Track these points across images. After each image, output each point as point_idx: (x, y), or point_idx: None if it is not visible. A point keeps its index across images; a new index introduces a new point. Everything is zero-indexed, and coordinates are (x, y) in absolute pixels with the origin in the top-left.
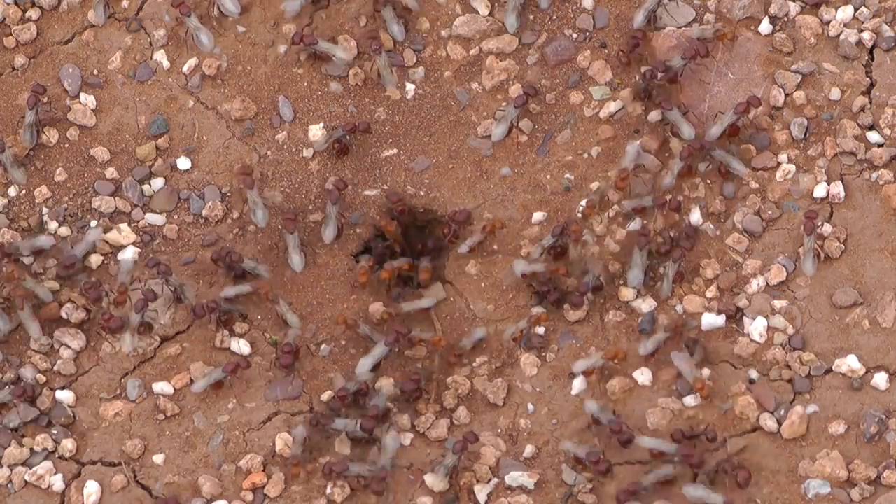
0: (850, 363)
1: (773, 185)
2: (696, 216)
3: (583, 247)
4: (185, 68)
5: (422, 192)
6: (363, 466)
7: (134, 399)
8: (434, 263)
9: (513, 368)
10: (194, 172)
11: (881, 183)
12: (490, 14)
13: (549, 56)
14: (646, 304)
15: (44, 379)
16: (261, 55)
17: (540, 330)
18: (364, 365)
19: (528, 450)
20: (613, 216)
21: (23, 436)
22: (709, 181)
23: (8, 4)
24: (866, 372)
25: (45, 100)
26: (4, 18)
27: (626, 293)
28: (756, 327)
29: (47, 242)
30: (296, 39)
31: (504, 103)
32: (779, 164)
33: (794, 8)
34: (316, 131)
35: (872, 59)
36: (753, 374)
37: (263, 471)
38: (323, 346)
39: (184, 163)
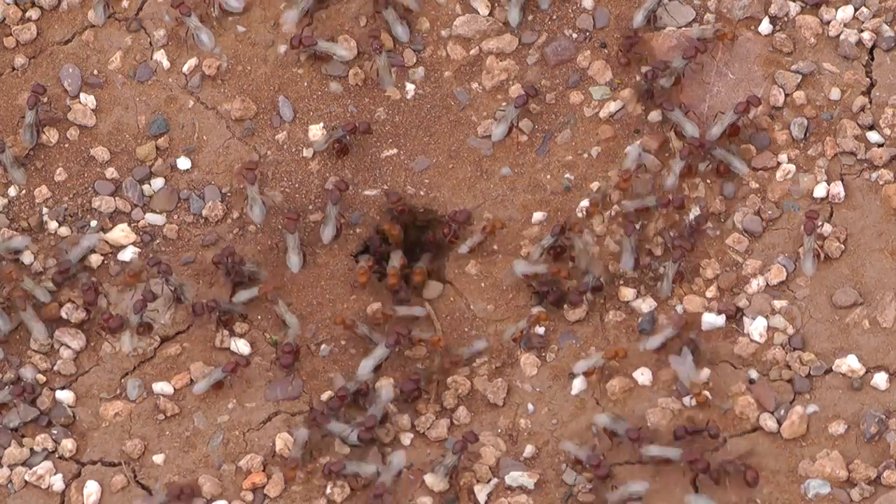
0: (850, 363)
1: (773, 185)
2: (696, 216)
3: (584, 244)
4: (185, 68)
5: (422, 192)
6: (361, 465)
7: (134, 399)
8: (434, 264)
9: (513, 368)
10: (194, 172)
11: (881, 183)
12: (490, 14)
13: (549, 56)
14: (646, 304)
15: (44, 379)
16: (261, 55)
17: (540, 330)
18: (365, 367)
19: (528, 450)
20: (613, 216)
21: (23, 436)
22: (709, 181)
23: (8, 4)
24: (866, 372)
25: (45, 100)
26: (4, 18)
27: (626, 293)
28: (756, 327)
29: (21, 244)
30: (294, 43)
31: (504, 103)
32: (779, 164)
33: (794, 8)
34: (316, 131)
35: (872, 59)
36: (753, 374)
37: (263, 471)
38: (323, 346)
39: (184, 163)
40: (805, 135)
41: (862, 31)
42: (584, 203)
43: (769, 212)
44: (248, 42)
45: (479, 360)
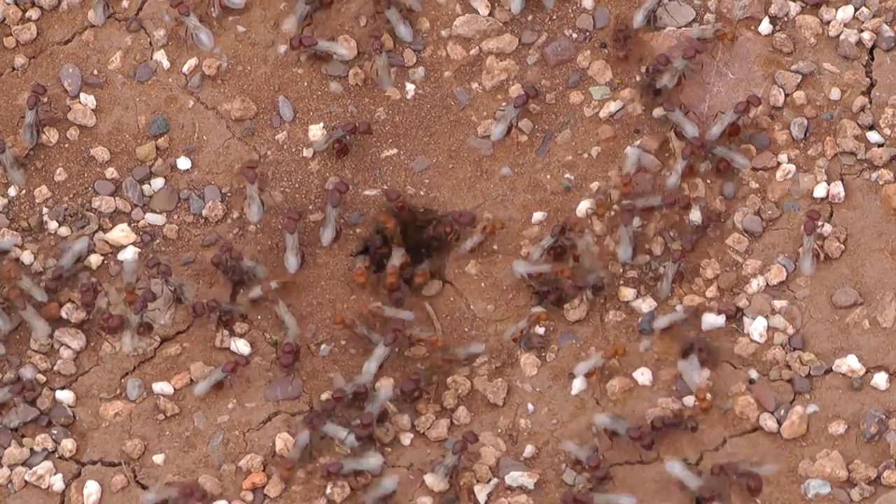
0: (850, 363)
1: (773, 185)
2: (696, 216)
3: (587, 244)
4: (185, 68)
5: (422, 192)
6: (360, 461)
7: (134, 399)
8: (434, 262)
9: (513, 368)
10: (194, 172)
11: (881, 183)
12: (490, 14)
13: (549, 56)
14: (646, 304)
15: (44, 379)
16: (261, 55)
17: (540, 330)
18: (368, 369)
19: (528, 450)
20: (613, 216)
21: (23, 436)
22: (709, 181)
23: (8, 4)
24: (866, 372)
25: (45, 100)
26: (4, 18)
27: (626, 293)
28: (756, 327)
29: (9, 244)
30: (294, 43)
31: (504, 103)
32: (779, 164)
33: (794, 8)
34: (316, 131)
35: (872, 59)
36: (753, 374)
37: (263, 471)
38: (323, 346)
39: (184, 163)
40: (805, 135)
41: (862, 31)
42: (585, 204)
43: (769, 212)
44: (248, 42)
45: (479, 360)
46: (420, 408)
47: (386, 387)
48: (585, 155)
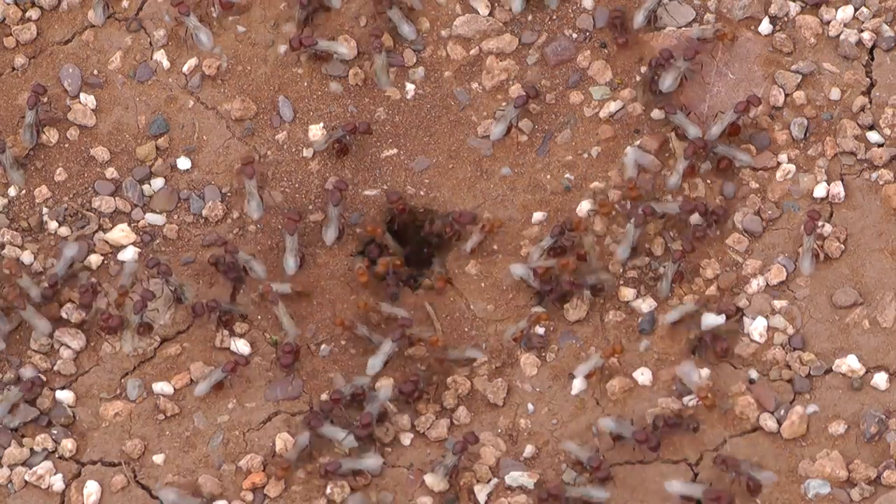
0: (850, 363)
1: (773, 185)
2: (695, 216)
3: (591, 243)
4: (185, 68)
5: (422, 192)
6: (359, 461)
7: (134, 399)
8: (441, 263)
9: (513, 368)
10: (194, 172)
11: (881, 183)
12: (490, 14)
13: (549, 56)
14: (646, 304)
15: (44, 379)
16: (261, 55)
17: (540, 330)
18: (374, 365)
19: (528, 450)
20: (613, 216)
21: (23, 436)
22: (709, 181)
23: (8, 4)
24: (866, 372)
25: (45, 100)
26: (4, 18)
27: (626, 293)
28: (756, 327)
29: None
30: (294, 44)
31: (504, 103)
32: (779, 164)
33: (794, 8)
34: (316, 131)
35: (872, 59)
36: (753, 374)
37: (263, 471)
38: (323, 346)
39: (184, 163)
40: (805, 135)
41: (862, 31)
42: (585, 204)
43: (769, 212)
44: (248, 42)
45: (479, 360)
46: (420, 408)
47: (386, 387)
48: (585, 155)
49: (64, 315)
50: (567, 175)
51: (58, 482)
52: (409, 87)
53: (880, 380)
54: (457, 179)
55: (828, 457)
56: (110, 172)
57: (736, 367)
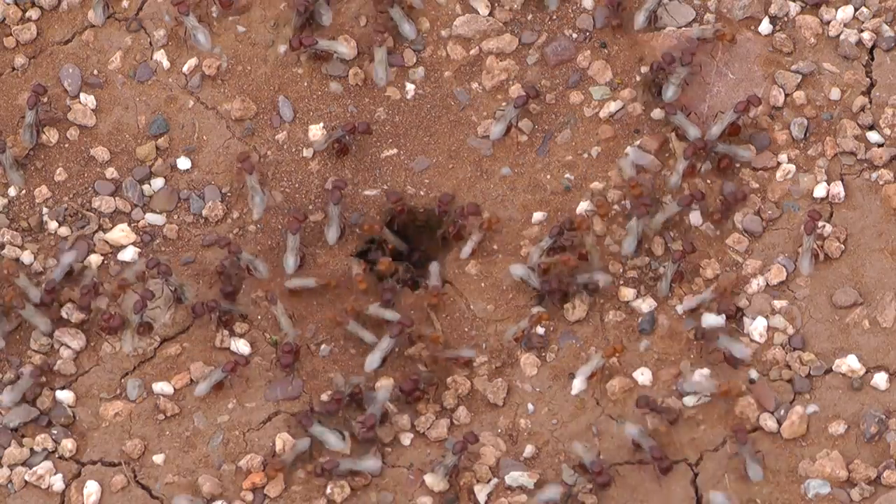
0: (850, 363)
1: (773, 185)
2: (695, 216)
3: (592, 242)
4: (185, 68)
5: (422, 192)
6: (357, 462)
7: (134, 399)
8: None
9: (513, 368)
10: (194, 172)
11: (881, 183)
12: (490, 14)
13: (549, 56)
14: (646, 304)
15: (44, 379)
16: (261, 55)
17: (540, 330)
18: (373, 361)
19: (528, 450)
20: (613, 216)
21: (23, 436)
22: (709, 181)
23: (8, 4)
24: (866, 372)
25: (45, 100)
26: (4, 18)
27: (626, 293)
28: (756, 327)
29: None
30: (294, 44)
31: (504, 103)
32: (779, 164)
33: (794, 8)
34: (316, 131)
35: (872, 59)
36: (753, 374)
37: (263, 471)
38: (323, 346)
39: (184, 163)
40: (805, 135)
41: (862, 31)
42: (585, 204)
43: (769, 212)
44: (248, 42)
45: (480, 359)
46: (420, 408)
47: (385, 387)
48: (585, 155)
49: (64, 315)
50: (567, 175)
51: (58, 482)
52: (409, 87)
53: (880, 380)
54: (457, 179)
55: (828, 457)
56: (110, 172)
57: (736, 368)
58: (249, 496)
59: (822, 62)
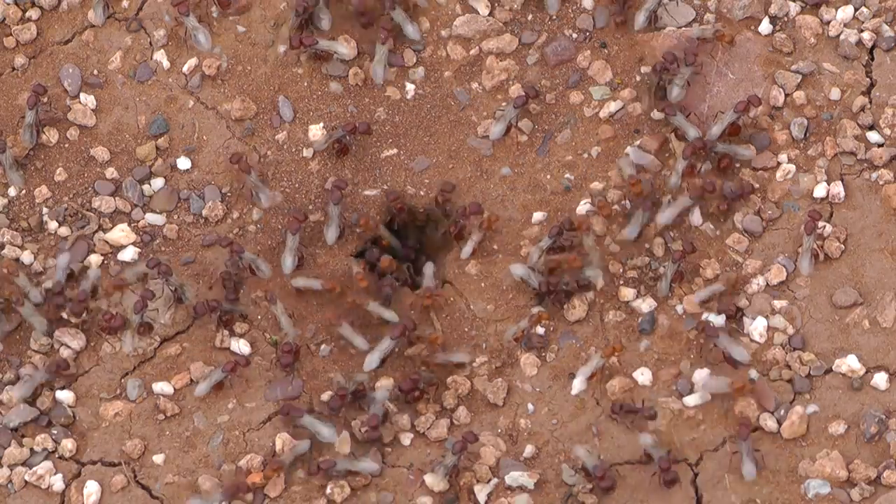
0: (850, 363)
1: (773, 185)
2: (696, 216)
3: (591, 242)
4: (185, 68)
5: (422, 192)
6: (354, 463)
7: (134, 399)
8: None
9: (513, 368)
10: (194, 172)
11: (881, 183)
12: (490, 14)
13: (549, 56)
14: (646, 304)
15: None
16: (261, 55)
17: (540, 330)
18: (372, 361)
19: (528, 450)
20: (613, 216)
21: (23, 436)
22: (709, 181)
23: (8, 4)
24: (866, 372)
25: (45, 100)
26: (4, 18)
27: (626, 293)
28: (756, 327)
29: None
30: (294, 43)
31: (504, 103)
32: (779, 164)
33: (794, 8)
34: (316, 131)
35: (872, 59)
36: (753, 374)
37: (262, 471)
38: (323, 346)
39: (184, 163)
40: (805, 135)
41: (862, 31)
42: (585, 205)
43: (769, 212)
44: (248, 42)
45: (480, 360)
46: (420, 408)
47: (385, 387)
48: (585, 155)
49: (64, 315)
50: (567, 175)
51: (58, 482)
52: (409, 87)
53: (880, 380)
54: (457, 179)
55: (828, 457)
56: (110, 172)
57: (736, 368)
58: (249, 496)
59: (822, 62)
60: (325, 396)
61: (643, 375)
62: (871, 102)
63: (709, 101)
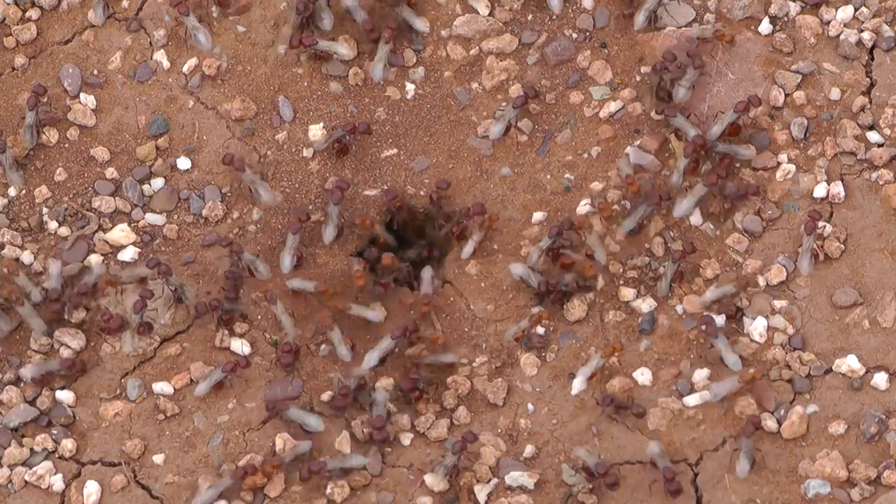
0: (850, 363)
1: (773, 185)
2: (695, 216)
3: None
4: (185, 68)
5: (422, 192)
6: (347, 460)
7: (134, 399)
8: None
9: (513, 368)
10: (194, 172)
11: (881, 183)
12: (490, 14)
13: (549, 56)
14: (646, 304)
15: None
16: (261, 55)
17: (540, 330)
18: (370, 359)
19: (528, 450)
20: (613, 216)
21: (23, 436)
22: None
23: (8, 4)
24: (866, 372)
25: (45, 100)
26: (4, 18)
27: (626, 293)
28: (756, 327)
29: None
30: (294, 43)
31: (504, 103)
32: (779, 164)
33: (794, 8)
34: (316, 131)
35: (872, 59)
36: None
37: (261, 471)
38: (323, 346)
39: (184, 163)
40: (805, 135)
41: (862, 31)
42: (585, 204)
43: (769, 212)
44: (248, 42)
45: (480, 360)
46: (420, 408)
47: (385, 387)
48: (585, 155)
49: (64, 315)
50: (567, 175)
51: (58, 482)
52: (409, 87)
53: (880, 380)
54: (457, 179)
55: (828, 457)
56: (110, 172)
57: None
58: (249, 496)
59: (822, 62)
60: (326, 396)
61: (643, 375)
62: (871, 102)
63: (709, 101)
